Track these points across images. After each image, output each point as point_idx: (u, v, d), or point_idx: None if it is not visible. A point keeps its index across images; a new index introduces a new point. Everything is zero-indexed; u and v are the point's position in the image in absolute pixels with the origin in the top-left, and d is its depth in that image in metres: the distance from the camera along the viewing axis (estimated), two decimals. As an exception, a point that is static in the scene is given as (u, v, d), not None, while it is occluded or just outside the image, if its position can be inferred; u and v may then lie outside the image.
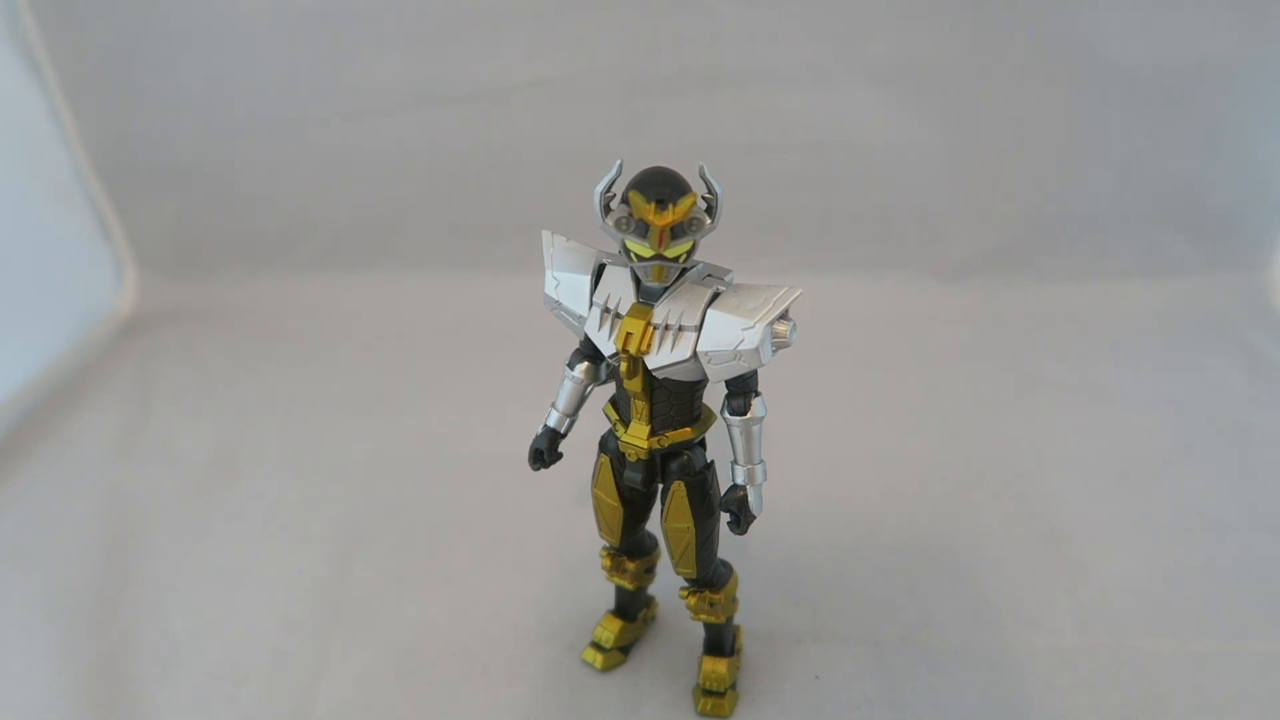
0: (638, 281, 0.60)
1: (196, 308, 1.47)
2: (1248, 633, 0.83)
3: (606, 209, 0.57)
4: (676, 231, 0.55)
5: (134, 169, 1.43)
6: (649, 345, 0.59)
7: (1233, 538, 0.94)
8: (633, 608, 0.80)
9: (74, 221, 1.42)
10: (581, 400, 0.68)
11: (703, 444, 0.66)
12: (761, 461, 0.62)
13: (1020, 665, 0.79)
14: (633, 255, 0.57)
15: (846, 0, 1.27)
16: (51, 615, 0.87)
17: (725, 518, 0.64)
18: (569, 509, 0.99)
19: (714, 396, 0.63)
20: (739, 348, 0.57)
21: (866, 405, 1.19)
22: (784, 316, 0.58)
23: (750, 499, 0.62)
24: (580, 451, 0.75)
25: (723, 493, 0.64)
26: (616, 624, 0.80)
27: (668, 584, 0.78)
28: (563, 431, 0.68)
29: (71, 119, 1.38)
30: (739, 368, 0.58)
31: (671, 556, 0.69)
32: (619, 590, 0.79)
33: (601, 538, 0.73)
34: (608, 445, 0.68)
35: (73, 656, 0.82)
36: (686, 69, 1.33)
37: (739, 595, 0.75)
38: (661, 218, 0.54)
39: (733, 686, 0.75)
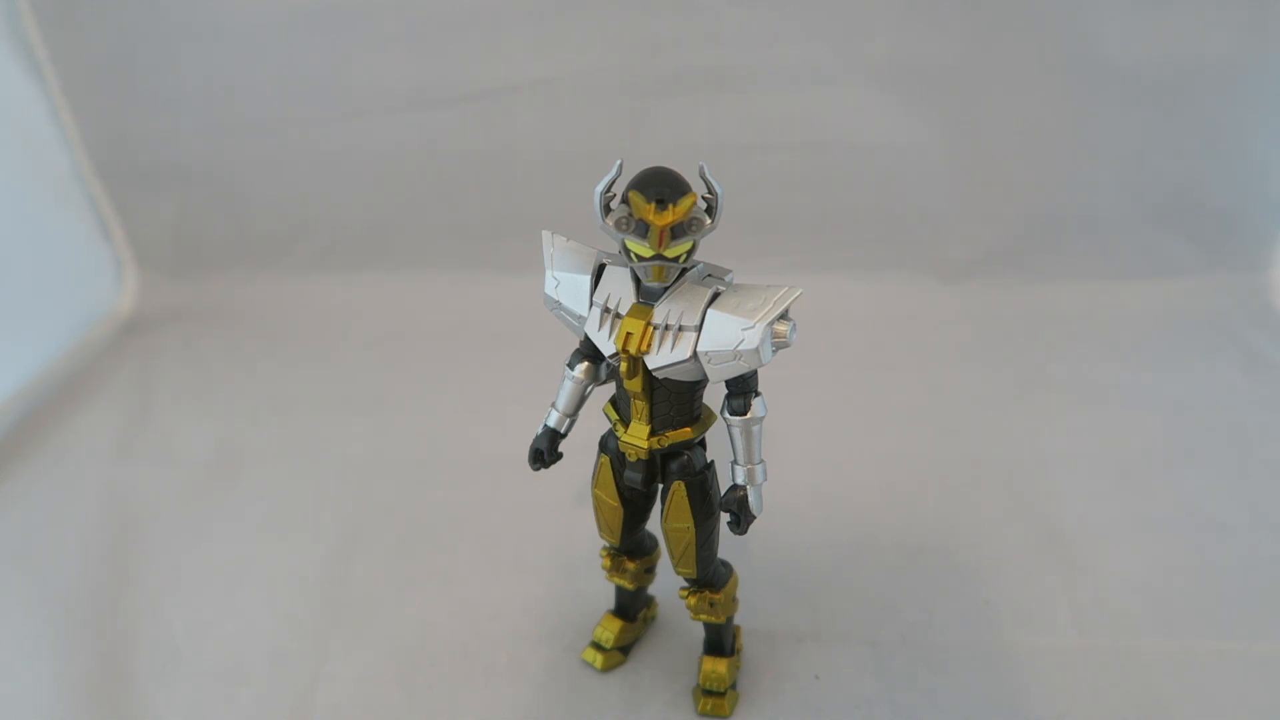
0: (638, 281, 0.60)
1: (196, 308, 1.47)
2: (1248, 633, 0.83)
3: (606, 209, 0.57)
4: (676, 231, 0.55)
5: (134, 169, 1.43)
6: (649, 345, 0.59)
7: (1233, 538, 0.94)
8: (633, 608, 0.80)
9: (74, 221, 1.42)
10: (581, 400, 0.68)
11: (703, 444, 0.66)
12: (762, 461, 0.62)
13: (1020, 665, 0.79)
14: (633, 255, 0.57)
15: (846, 0, 1.27)
16: (52, 615, 0.87)
17: (725, 518, 0.64)
18: (569, 509, 0.99)
19: (714, 396, 0.63)
20: (739, 348, 0.57)
21: (866, 405, 1.19)
22: (784, 316, 0.58)
23: (750, 499, 0.62)
24: (580, 451, 0.75)
25: (723, 493, 0.64)
26: (616, 624, 0.80)
27: (668, 584, 0.78)
28: (563, 431, 0.69)
29: (71, 119, 1.38)
30: (739, 368, 0.58)
31: (671, 556, 0.69)
32: (619, 590, 0.79)
33: (601, 538, 0.73)
34: (608, 445, 0.68)
35: (73, 656, 0.82)
36: (686, 69, 1.33)
37: (739, 595, 0.75)
38: (661, 218, 0.54)
39: (733, 686, 0.75)
